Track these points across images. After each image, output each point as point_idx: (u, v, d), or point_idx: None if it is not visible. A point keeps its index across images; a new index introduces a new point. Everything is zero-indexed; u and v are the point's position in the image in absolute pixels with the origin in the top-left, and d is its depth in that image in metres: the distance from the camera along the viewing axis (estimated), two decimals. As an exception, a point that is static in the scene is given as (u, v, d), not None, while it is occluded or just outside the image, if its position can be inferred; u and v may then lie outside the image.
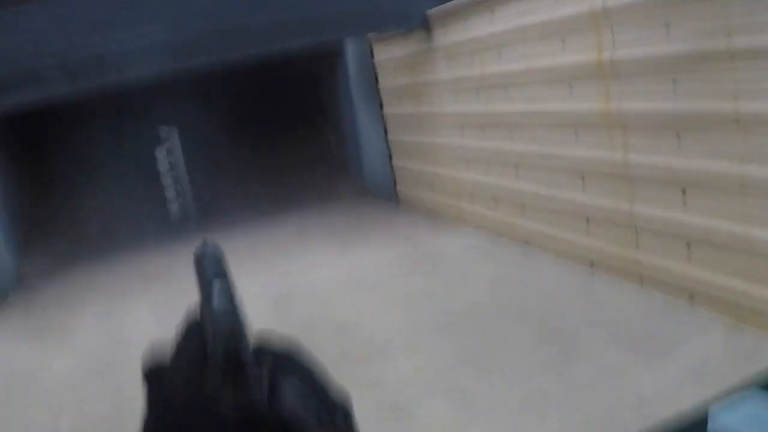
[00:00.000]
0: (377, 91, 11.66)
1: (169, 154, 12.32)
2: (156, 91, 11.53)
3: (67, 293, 9.76)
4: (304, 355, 0.94)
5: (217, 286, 0.94)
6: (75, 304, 9.06)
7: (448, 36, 9.10)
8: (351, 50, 12.13)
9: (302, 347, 0.94)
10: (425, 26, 9.53)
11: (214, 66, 9.27)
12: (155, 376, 0.92)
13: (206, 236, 1.06)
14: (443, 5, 9.01)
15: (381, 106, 11.68)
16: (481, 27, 8.21)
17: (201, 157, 12.82)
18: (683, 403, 4.07)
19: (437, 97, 9.77)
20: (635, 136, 6.06)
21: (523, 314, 6.27)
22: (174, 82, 11.08)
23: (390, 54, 10.97)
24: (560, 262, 7.40)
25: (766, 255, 4.94)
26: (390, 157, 11.85)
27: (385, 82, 11.42)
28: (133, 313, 8.29)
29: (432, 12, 9.31)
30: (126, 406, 5.69)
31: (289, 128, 15.21)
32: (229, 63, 9.43)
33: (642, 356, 5.07)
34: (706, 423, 1.62)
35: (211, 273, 0.98)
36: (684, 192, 5.60)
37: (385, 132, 11.76)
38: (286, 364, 0.91)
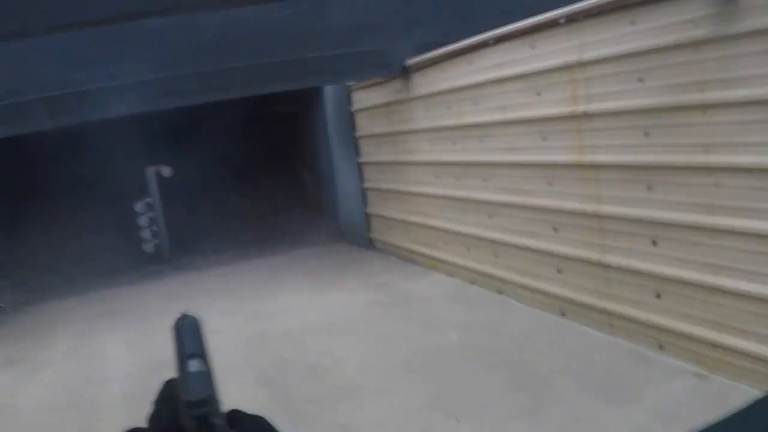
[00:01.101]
0: (354, 138, 11.74)
1: (145, 193, 12.33)
2: (137, 126, 11.57)
3: (39, 326, 9.69)
4: (274, 429, 0.98)
5: (193, 360, 0.97)
6: (47, 338, 9.00)
7: (425, 85, 9.21)
8: (329, 95, 12.25)
9: (272, 422, 0.98)
10: (403, 75, 9.64)
11: (194, 106, 9.33)
12: None
13: (185, 309, 1.10)
14: (422, 55, 9.13)
15: (358, 152, 11.76)
16: (458, 77, 8.32)
17: (177, 196, 12.83)
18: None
19: (413, 145, 9.86)
20: (608, 187, 6.16)
21: (495, 360, 6.30)
22: (154, 119, 11.13)
23: (368, 101, 11.06)
24: (532, 310, 7.46)
25: (735, 305, 5.02)
26: (365, 203, 11.91)
27: (362, 128, 11.51)
28: (104, 348, 8.24)
29: (410, 61, 9.42)
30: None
31: (267, 169, 15.27)
32: (209, 103, 9.49)
33: (612, 403, 5.11)
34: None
35: (189, 345, 1.01)
36: (654, 243, 5.69)
37: (361, 178, 11.83)
38: None
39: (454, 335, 7.11)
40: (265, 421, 0.98)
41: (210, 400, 0.90)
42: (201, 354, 0.99)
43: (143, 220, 12.38)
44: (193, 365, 0.96)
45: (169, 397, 0.95)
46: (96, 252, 12.93)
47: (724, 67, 4.82)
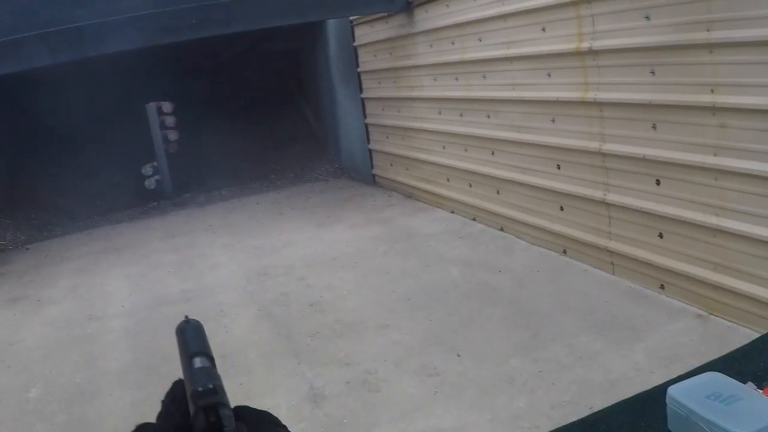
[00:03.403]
0: (357, 73, 11.67)
1: (148, 128, 12.32)
2: (138, 64, 11.49)
3: (42, 264, 9.72)
4: (281, 427, 0.97)
5: (198, 357, 0.97)
6: (50, 275, 9.05)
7: (429, 20, 9.11)
8: (332, 30, 12.14)
9: (279, 419, 0.97)
10: (407, 10, 9.54)
11: (196, 42, 9.22)
12: None
13: (187, 315, 1.10)
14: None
15: (360, 87, 11.69)
16: (462, 12, 8.22)
17: (180, 132, 12.79)
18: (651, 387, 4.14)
19: (416, 81, 9.80)
20: (612, 125, 6.12)
21: (495, 297, 6.33)
22: (155, 56, 11.03)
23: (371, 36, 10.96)
24: (533, 248, 7.48)
25: (737, 247, 5.02)
26: (368, 139, 11.88)
27: (365, 64, 11.43)
28: (107, 285, 8.28)
29: (414, -4, 9.32)
30: (96, 377, 5.71)
31: (269, 105, 15.20)
32: (209, 39, 9.38)
33: (611, 342, 5.15)
34: (664, 402, 1.67)
35: (193, 344, 1.00)
36: (658, 182, 5.67)
37: (364, 114, 11.77)
38: None
39: (455, 271, 7.14)
40: (272, 416, 0.98)
41: (216, 390, 0.89)
42: (205, 352, 0.99)
43: (145, 154, 12.38)
44: (198, 362, 0.97)
45: (178, 397, 0.95)
46: (98, 189, 12.93)
47: (731, 7, 4.75)
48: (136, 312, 7.18)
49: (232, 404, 0.92)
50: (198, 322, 1.06)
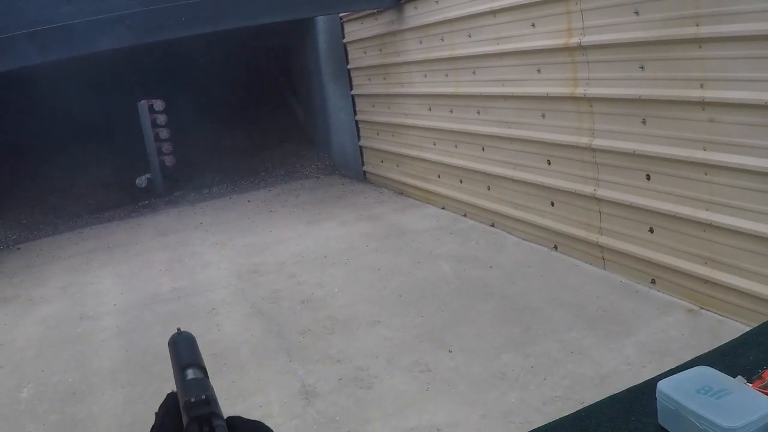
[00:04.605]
0: (347, 70, 11.66)
1: (140, 126, 12.30)
2: (128, 63, 11.46)
3: (33, 263, 9.70)
4: None
5: (190, 368, 0.98)
6: (41, 275, 9.02)
7: (418, 17, 9.10)
8: (321, 27, 12.13)
9: (271, 429, 0.97)
10: (396, 6, 9.53)
11: (186, 40, 9.19)
12: None
13: (179, 327, 1.09)
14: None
15: (350, 84, 11.68)
16: (451, 8, 8.22)
17: (171, 130, 12.77)
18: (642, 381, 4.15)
19: (406, 77, 9.79)
20: (602, 120, 6.13)
21: (487, 293, 6.34)
22: (146, 54, 11.00)
23: (360, 33, 10.95)
24: (524, 243, 7.49)
25: (727, 241, 5.04)
26: (358, 136, 11.87)
27: (355, 60, 11.42)
28: (98, 284, 8.26)
29: (404, -8, 9.32)
30: (88, 376, 5.70)
31: (259, 102, 15.18)
32: (200, 37, 9.35)
33: (603, 336, 5.16)
34: (655, 397, 1.67)
35: (186, 356, 1.01)
36: (648, 177, 5.68)
37: (354, 111, 11.77)
38: None
39: (446, 267, 7.14)
40: (264, 426, 0.98)
41: (209, 400, 0.90)
42: (198, 364, 1.00)
43: (135, 152, 12.36)
44: (191, 373, 0.97)
45: (172, 409, 0.95)
46: (89, 187, 12.89)
47: (719, 2, 4.76)
48: (128, 311, 7.16)
49: (224, 407, 0.92)
50: (190, 334, 1.06)
